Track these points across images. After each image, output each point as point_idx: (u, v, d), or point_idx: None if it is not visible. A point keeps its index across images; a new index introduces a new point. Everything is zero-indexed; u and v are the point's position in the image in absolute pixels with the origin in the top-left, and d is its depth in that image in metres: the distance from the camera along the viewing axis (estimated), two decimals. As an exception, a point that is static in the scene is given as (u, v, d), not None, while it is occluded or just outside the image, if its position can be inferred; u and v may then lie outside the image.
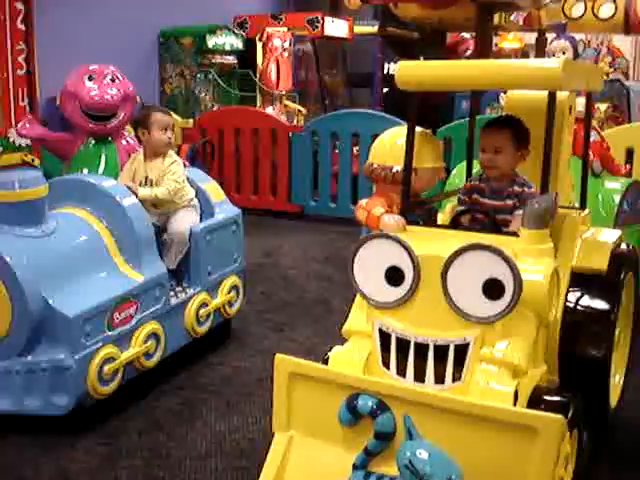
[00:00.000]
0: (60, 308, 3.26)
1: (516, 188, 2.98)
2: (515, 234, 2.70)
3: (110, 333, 3.45)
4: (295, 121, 9.43)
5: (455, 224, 3.01)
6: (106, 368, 3.40)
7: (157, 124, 4.08)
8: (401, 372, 2.55)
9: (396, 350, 2.56)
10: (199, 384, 3.91)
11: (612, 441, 3.28)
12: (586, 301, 2.92)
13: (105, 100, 4.23)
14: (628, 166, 5.52)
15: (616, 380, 3.29)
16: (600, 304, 2.93)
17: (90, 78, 4.29)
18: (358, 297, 2.72)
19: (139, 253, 3.70)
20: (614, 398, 3.19)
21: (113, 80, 4.34)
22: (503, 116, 3.16)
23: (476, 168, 3.28)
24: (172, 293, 3.96)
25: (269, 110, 9.21)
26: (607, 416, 3.06)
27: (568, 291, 2.92)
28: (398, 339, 2.56)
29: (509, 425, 2.21)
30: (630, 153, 6.41)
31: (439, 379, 2.50)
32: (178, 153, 7.00)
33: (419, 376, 2.53)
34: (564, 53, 5.35)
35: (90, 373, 3.32)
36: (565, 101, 3.09)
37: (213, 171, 8.21)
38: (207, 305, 4.16)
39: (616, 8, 11.52)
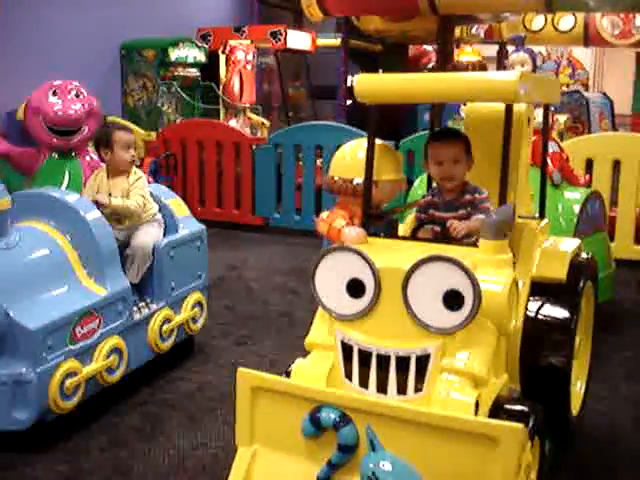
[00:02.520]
0: (21, 320, 3.23)
1: (467, 197, 3.01)
2: (475, 245, 2.72)
3: (72, 347, 3.41)
4: (259, 134, 9.44)
5: (415, 238, 3.02)
6: (68, 382, 3.36)
7: (120, 143, 4.04)
8: (364, 384, 2.55)
9: (358, 362, 2.56)
10: (162, 399, 3.87)
11: (575, 449, 3.31)
12: (546, 310, 2.95)
13: (69, 115, 4.25)
14: (587, 176, 5.60)
15: (577, 388, 3.32)
16: (560, 313, 2.95)
17: (54, 93, 4.30)
18: (320, 309, 2.72)
19: (102, 267, 3.67)
20: (576, 406, 3.22)
21: (77, 95, 4.34)
22: (446, 128, 3.18)
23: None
24: (135, 308, 3.93)
25: (232, 123, 9.21)
26: (569, 424, 3.08)
27: (528, 300, 2.94)
28: (360, 351, 2.55)
29: (470, 435, 2.22)
30: (590, 163, 6.51)
31: (401, 390, 2.50)
32: (141, 166, 6.98)
33: (382, 387, 2.52)
34: (523, 65, 5.41)
35: (52, 387, 3.29)
36: (523, 113, 3.13)
37: (176, 184, 8.18)
38: (170, 321, 4.13)
39: (575, 21, 11.71)
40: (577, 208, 4.91)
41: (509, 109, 2.67)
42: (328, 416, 2.38)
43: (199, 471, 3.19)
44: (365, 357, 2.54)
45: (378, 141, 3.02)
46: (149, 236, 4.07)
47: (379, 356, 2.52)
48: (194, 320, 4.38)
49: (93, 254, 3.66)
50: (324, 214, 3.21)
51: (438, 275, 2.45)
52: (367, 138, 2.91)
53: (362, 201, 2.94)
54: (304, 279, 6.00)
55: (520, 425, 2.20)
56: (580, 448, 3.34)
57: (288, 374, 2.69)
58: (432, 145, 3.05)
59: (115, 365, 3.68)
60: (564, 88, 11.89)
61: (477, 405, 2.40)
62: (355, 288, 2.56)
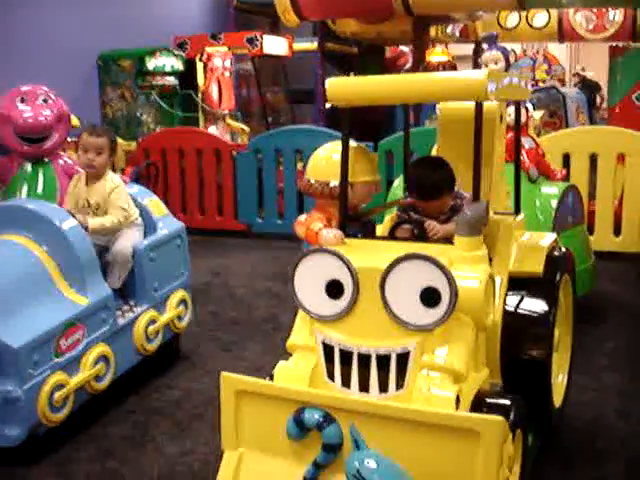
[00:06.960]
0: (5, 339, 3.21)
1: (450, 202, 3.05)
2: (450, 242, 2.75)
3: (58, 360, 3.41)
4: (239, 140, 9.45)
5: (392, 237, 3.05)
6: (56, 395, 3.36)
7: (81, 146, 4.01)
8: (346, 383, 2.58)
9: (340, 362, 2.59)
10: (149, 407, 3.88)
11: (559, 440, 3.35)
12: (524, 304, 2.98)
13: (39, 122, 4.20)
14: (564, 171, 5.65)
15: (559, 380, 3.36)
16: (538, 306, 2.98)
17: (22, 100, 4.26)
18: (301, 311, 2.74)
19: (82, 277, 3.66)
20: (558, 398, 3.25)
21: (46, 101, 4.31)
22: (426, 161, 3.19)
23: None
24: (119, 313, 3.93)
25: (212, 130, 9.21)
26: (551, 416, 3.11)
27: (506, 295, 2.97)
28: (341, 351, 2.58)
29: (451, 429, 2.25)
30: (567, 158, 6.58)
31: (383, 388, 2.53)
32: (122, 176, 6.96)
33: (364, 386, 2.55)
34: (496, 63, 5.44)
35: (40, 402, 3.28)
36: (495, 110, 3.17)
37: (158, 193, 8.13)
38: (156, 322, 4.13)
39: (550, 17, 11.81)
40: (554, 202, 4.96)
41: (479, 107, 2.70)
42: (312, 417, 2.40)
43: (189, 477, 3.20)
44: (346, 357, 2.57)
45: (353, 143, 3.05)
46: (129, 241, 4.05)
47: (360, 355, 2.54)
48: (179, 318, 4.38)
49: (72, 264, 3.64)
50: (302, 217, 3.24)
51: (414, 273, 2.47)
52: (341, 140, 2.94)
53: (338, 203, 2.97)
54: (288, 283, 6.01)
55: (500, 418, 2.23)
56: (564, 439, 3.38)
57: (272, 377, 2.71)
58: (415, 197, 3.08)
59: (102, 373, 3.69)
60: (541, 84, 11.98)
61: (458, 400, 2.43)
62: (334, 289, 2.59)
